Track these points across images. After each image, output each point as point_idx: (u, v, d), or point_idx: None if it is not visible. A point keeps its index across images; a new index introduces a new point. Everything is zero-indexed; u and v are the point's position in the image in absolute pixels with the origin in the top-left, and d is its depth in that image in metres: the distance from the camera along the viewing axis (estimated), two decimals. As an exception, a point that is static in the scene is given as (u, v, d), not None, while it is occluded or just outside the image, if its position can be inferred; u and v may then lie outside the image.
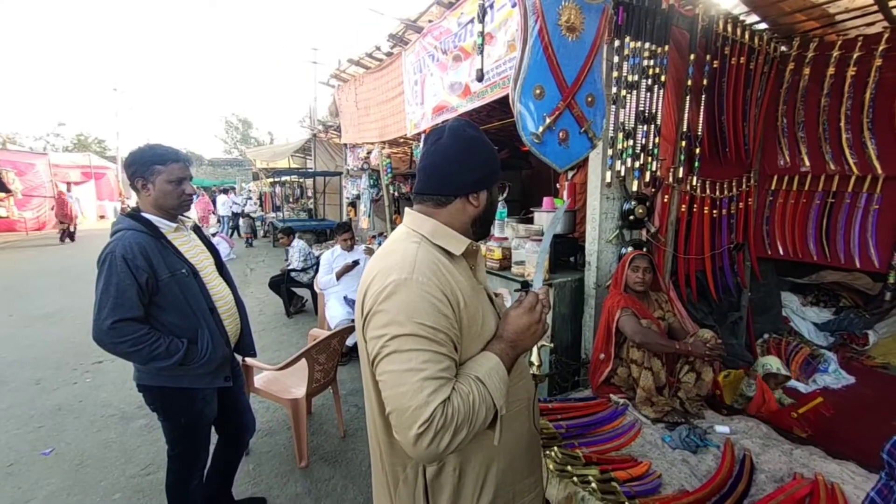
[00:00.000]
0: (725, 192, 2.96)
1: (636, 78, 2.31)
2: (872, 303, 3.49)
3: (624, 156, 2.36)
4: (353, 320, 2.85)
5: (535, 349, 1.10)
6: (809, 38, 2.92)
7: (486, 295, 1.02)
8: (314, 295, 5.01)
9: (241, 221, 13.19)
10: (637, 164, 2.39)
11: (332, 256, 4.18)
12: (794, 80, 2.99)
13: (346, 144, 7.05)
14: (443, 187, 0.95)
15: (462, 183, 0.95)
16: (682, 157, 2.60)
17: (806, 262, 3.15)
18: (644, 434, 1.94)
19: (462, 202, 0.95)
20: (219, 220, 13.44)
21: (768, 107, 3.09)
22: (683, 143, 2.58)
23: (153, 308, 1.60)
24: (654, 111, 2.39)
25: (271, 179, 13.38)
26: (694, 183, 2.71)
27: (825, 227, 2.97)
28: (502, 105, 3.43)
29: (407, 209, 1.01)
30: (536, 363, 1.87)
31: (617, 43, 2.27)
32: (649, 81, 2.34)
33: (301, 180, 13.02)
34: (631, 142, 2.36)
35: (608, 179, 2.40)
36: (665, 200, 2.69)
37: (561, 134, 2.03)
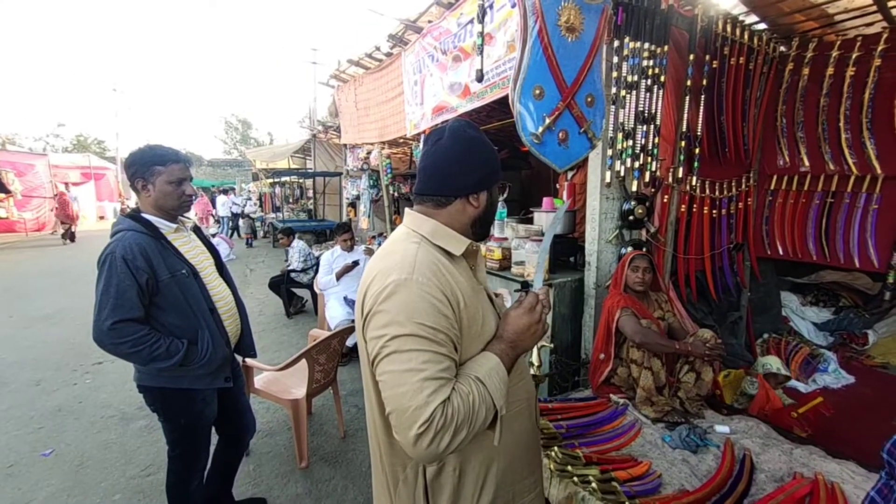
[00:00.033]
0: (725, 192, 2.96)
1: (636, 78, 2.31)
2: (872, 302, 3.50)
3: (623, 156, 2.36)
4: (353, 321, 2.85)
5: (535, 349, 1.10)
6: (808, 39, 2.92)
7: (486, 295, 1.02)
8: (314, 295, 5.01)
9: (240, 222, 13.19)
10: (637, 165, 2.39)
11: (332, 257, 4.18)
12: (793, 80, 2.99)
13: (345, 145, 7.05)
14: (443, 188, 0.95)
15: (462, 183, 0.95)
16: (682, 158, 2.60)
17: (805, 261, 3.16)
18: (644, 434, 1.94)
19: (462, 203, 0.96)
20: (218, 221, 13.44)
21: (767, 107, 3.10)
22: (683, 144, 2.58)
23: (153, 309, 1.60)
24: (653, 111, 2.39)
25: (271, 180, 13.37)
26: (693, 183, 2.71)
27: (824, 227, 2.98)
28: (502, 105, 3.43)
29: (407, 209, 1.01)
30: (536, 363, 1.88)
31: (616, 43, 2.27)
32: (649, 82, 2.34)
33: (301, 181, 13.01)
34: (630, 142, 2.36)
35: (608, 179, 2.40)
36: (665, 200, 2.69)
37: (560, 134, 2.03)
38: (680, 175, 2.63)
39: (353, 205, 8.06)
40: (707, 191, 2.85)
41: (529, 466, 1.05)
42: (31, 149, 20.29)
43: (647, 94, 2.36)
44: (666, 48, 2.36)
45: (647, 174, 2.43)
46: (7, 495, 2.30)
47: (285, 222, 9.84)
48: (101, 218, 17.37)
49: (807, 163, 2.99)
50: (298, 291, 5.64)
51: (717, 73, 2.67)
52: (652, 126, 2.40)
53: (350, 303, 3.98)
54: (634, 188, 2.45)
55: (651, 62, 2.32)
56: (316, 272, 4.82)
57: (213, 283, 1.79)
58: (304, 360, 2.45)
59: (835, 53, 2.78)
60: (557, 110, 1.98)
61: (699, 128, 2.65)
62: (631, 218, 2.52)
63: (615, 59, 2.28)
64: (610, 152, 2.35)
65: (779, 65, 3.04)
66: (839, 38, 2.82)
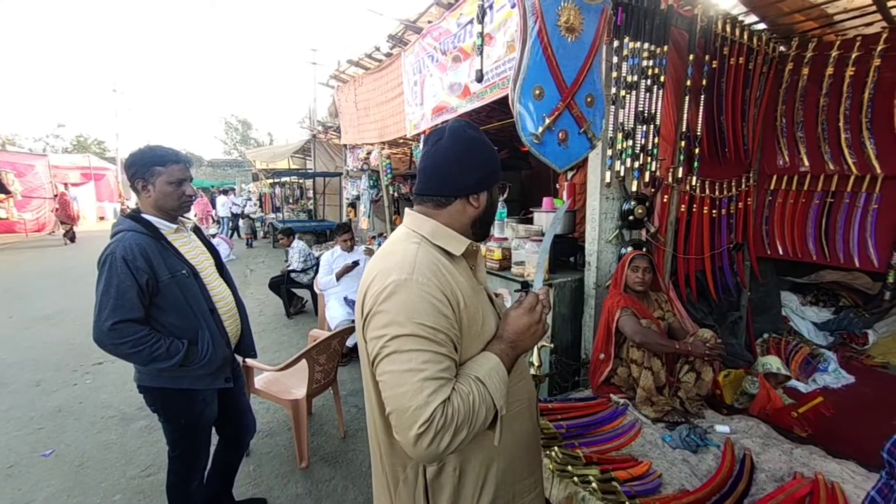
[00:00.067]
0: (725, 192, 2.96)
1: (635, 78, 2.31)
2: (872, 302, 3.50)
3: (623, 156, 2.36)
4: (353, 321, 2.85)
5: (535, 349, 1.10)
6: (808, 38, 2.92)
7: (486, 295, 1.02)
8: (314, 296, 5.01)
9: (240, 222, 13.19)
10: (636, 165, 2.39)
11: (332, 257, 4.18)
12: (792, 80, 2.99)
13: (345, 145, 7.05)
14: (443, 188, 0.95)
15: (462, 184, 0.95)
16: (682, 157, 2.60)
17: (805, 261, 3.16)
18: (644, 434, 1.94)
19: (462, 203, 0.96)
20: (218, 222, 13.44)
21: (767, 107, 3.10)
22: (683, 144, 2.58)
23: (153, 309, 1.60)
24: (653, 111, 2.39)
25: (271, 180, 13.37)
26: (693, 183, 2.72)
27: (824, 227, 2.98)
28: (502, 106, 3.44)
29: (407, 210, 1.01)
30: (536, 363, 1.88)
31: (616, 43, 2.27)
32: (648, 82, 2.34)
33: (301, 181, 13.02)
34: (630, 142, 2.36)
35: (608, 180, 2.40)
36: (664, 200, 2.69)
37: (560, 134, 2.03)
38: (680, 175, 2.63)
39: (353, 205, 8.07)
40: (707, 191, 2.85)
41: (529, 466, 1.05)
42: (30, 149, 20.30)
43: (647, 94, 2.36)
44: (665, 48, 2.36)
45: (647, 174, 2.43)
46: (7, 496, 2.30)
47: (285, 223, 9.84)
48: (102, 218, 17.37)
49: (806, 163, 2.99)
50: (298, 292, 5.65)
51: (716, 73, 2.67)
52: (652, 126, 2.40)
53: (350, 303, 3.98)
54: (634, 188, 2.45)
55: (651, 62, 2.32)
56: (316, 272, 4.82)
57: (214, 283, 1.80)
58: (304, 361, 2.45)
59: (834, 53, 2.78)
60: (557, 110, 1.98)
61: (699, 128, 2.65)
62: (631, 218, 2.52)
63: (615, 60, 2.28)
64: (610, 152, 2.35)
65: (778, 65, 3.04)
66: (839, 38, 2.82)
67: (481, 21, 2.27)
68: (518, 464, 1.01)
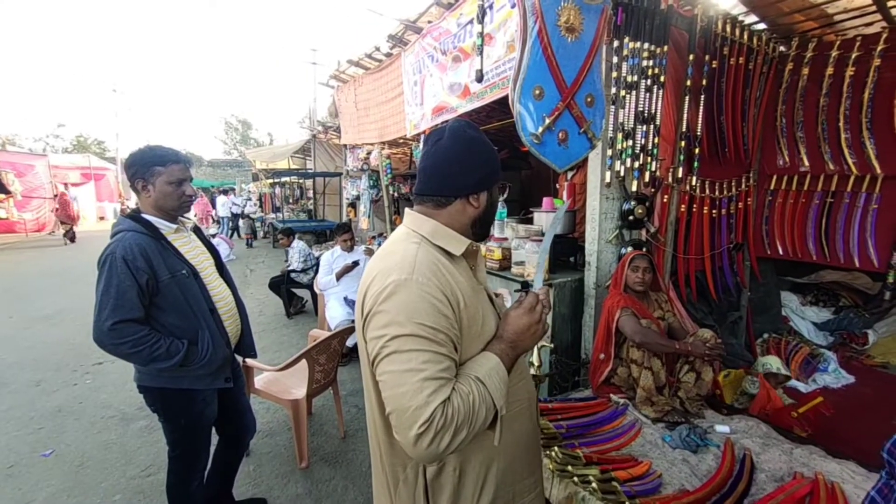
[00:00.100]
0: (725, 192, 2.96)
1: (635, 78, 2.31)
2: (872, 302, 3.50)
3: (623, 156, 2.36)
4: (353, 321, 2.85)
5: (535, 349, 1.10)
6: (808, 38, 2.92)
7: (486, 295, 1.02)
8: (314, 296, 5.01)
9: (240, 222, 13.19)
10: (636, 165, 2.39)
11: (332, 257, 4.18)
12: (792, 80, 2.99)
13: (345, 145, 7.05)
14: (443, 188, 0.95)
15: (462, 184, 0.95)
16: (682, 157, 2.60)
17: (805, 261, 3.16)
18: (644, 434, 1.94)
19: (462, 203, 0.96)
20: (218, 222, 13.44)
21: (767, 107, 3.10)
22: (683, 144, 2.58)
23: (153, 309, 1.60)
24: (653, 111, 2.39)
25: (271, 180, 13.38)
26: (693, 183, 2.72)
27: (824, 227, 2.98)
28: (502, 106, 3.44)
29: (407, 210, 1.01)
30: (537, 363, 1.88)
31: (616, 43, 2.27)
32: (648, 82, 2.34)
33: (301, 181, 13.02)
34: (630, 142, 2.36)
35: (608, 180, 2.40)
36: (664, 200, 2.69)
37: (560, 134, 2.03)
38: (680, 175, 2.63)
39: (353, 205, 8.07)
40: (707, 191, 2.85)
41: (529, 466, 1.05)
42: (30, 149, 20.30)
43: (647, 94, 2.36)
44: (665, 48, 2.36)
45: (647, 174, 2.43)
46: (7, 496, 2.30)
47: (285, 223, 9.84)
48: (101, 218, 17.37)
49: (806, 163, 2.99)
50: (298, 292, 5.65)
51: (716, 73, 2.67)
52: (652, 126, 2.40)
53: (350, 303, 3.98)
54: (634, 188, 2.45)
55: (651, 62, 2.32)
56: (316, 272, 4.82)
57: (214, 283, 1.80)
58: (304, 361, 2.45)
59: (834, 53, 2.78)
60: (557, 110, 1.98)
61: (699, 128, 2.65)
62: (631, 218, 2.52)
63: (615, 60, 2.28)
64: (610, 152, 2.35)
65: (778, 65, 3.04)
66: (839, 38, 2.82)
67: (481, 21, 2.27)
68: (518, 464, 1.01)
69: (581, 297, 2.67)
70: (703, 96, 2.62)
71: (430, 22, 3.54)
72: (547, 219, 2.96)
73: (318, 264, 4.82)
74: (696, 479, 1.67)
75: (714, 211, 2.92)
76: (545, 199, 3.08)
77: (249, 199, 15.00)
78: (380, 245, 4.94)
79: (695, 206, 2.82)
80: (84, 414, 3.12)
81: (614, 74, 2.29)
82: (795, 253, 3.14)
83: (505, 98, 2.18)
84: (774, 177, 3.18)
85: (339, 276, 4.03)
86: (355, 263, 4.14)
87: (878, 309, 3.43)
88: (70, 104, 58.00)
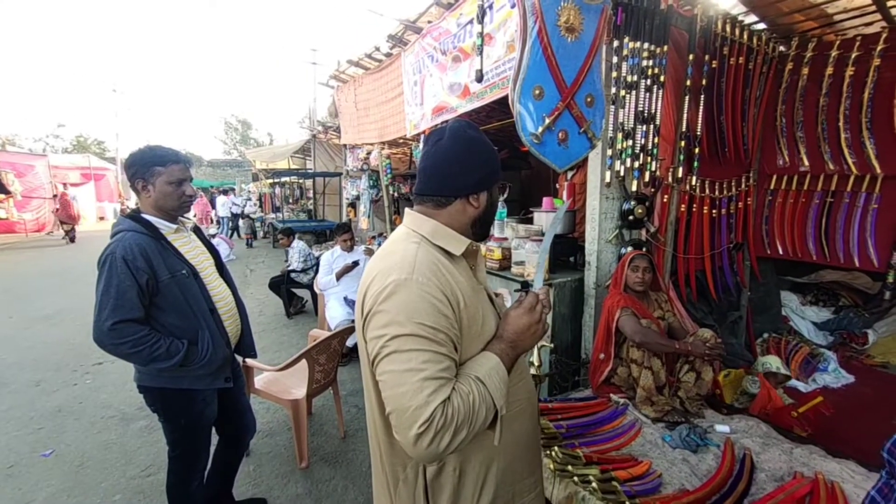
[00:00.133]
0: (725, 192, 2.96)
1: (635, 78, 2.31)
2: (872, 302, 3.50)
3: (623, 156, 2.36)
4: (353, 321, 2.85)
5: (535, 349, 1.10)
6: (808, 38, 2.92)
7: (486, 295, 1.02)
8: (314, 296, 5.01)
9: (240, 222, 13.19)
10: (636, 164, 2.39)
11: (332, 257, 4.18)
12: (792, 79, 2.99)
13: (345, 145, 7.05)
14: (443, 188, 0.95)
15: (462, 184, 0.95)
16: (682, 157, 2.60)
17: (805, 261, 3.16)
18: (644, 433, 1.94)
19: (462, 203, 0.96)
20: (218, 222, 13.44)
21: (767, 106, 3.10)
22: (682, 143, 2.59)
23: (153, 309, 1.60)
24: (653, 111, 2.39)
25: (271, 180, 13.38)
26: (693, 183, 2.72)
27: (824, 227, 2.98)
28: (502, 106, 3.44)
29: (407, 210, 1.02)
30: (536, 363, 1.88)
31: (616, 43, 2.27)
32: (648, 82, 2.34)
33: (301, 181, 13.01)
34: (630, 142, 2.36)
35: (607, 179, 2.40)
36: (664, 200, 2.69)
37: (560, 134, 2.03)
38: (680, 175, 2.63)
39: (352, 205, 8.07)
40: (707, 190, 2.85)
41: (529, 466, 1.06)
42: (30, 149, 20.31)
43: (647, 94, 2.36)
44: (665, 48, 2.36)
45: (647, 174, 2.43)
46: (7, 496, 2.30)
47: (285, 223, 9.84)
48: (101, 219, 17.35)
49: (806, 162, 2.99)
50: (298, 292, 5.65)
51: (716, 73, 2.67)
52: (651, 126, 2.40)
53: (350, 303, 3.98)
54: (634, 188, 2.45)
55: (650, 62, 2.32)
56: (316, 272, 4.82)
57: (214, 283, 1.80)
58: (304, 361, 2.45)
59: (834, 53, 2.78)
60: (557, 110, 1.98)
61: (699, 127, 2.65)
62: (631, 218, 2.52)
63: (615, 60, 2.28)
64: (610, 152, 2.35)
65: (778, 64, 3.04)
66: (838, 38, 2.82)
67: (481, 21, 2.27)
68: (518, 464, 1.01)
69: (581, 296, 2.67)
70: (702, 96, 2.62)
71: (429, 22, 3.54)
72: (547, 219, 2.96)
73: (317, 264, 4.82)
74: (696, 478, 1.67)
75: (714, 211, 2.92)
76: (545, 199, 3.08)
77: (249, 199, 14.99)
78: (380, 245, 4.94)
79: (695, 205, 2.82)
80: (84, 414, 3.12)
81: (614, 74, 2.29)
82: (795, 253, 3.14)
83: (505, 98, 2.18)
84: (774, 176, 3.18)
85: (338, 276, 4.03)
86: (355, 263, 4.14)
87: (877, 308, 3.43)
88: (70, 104, 58.04)
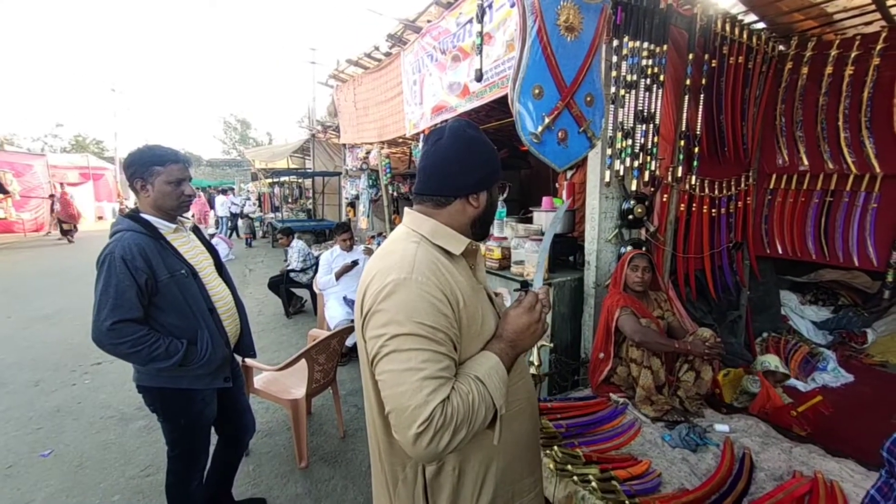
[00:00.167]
0: (724, 191, 2.96)
1: (635, 77, 2.31)
2: (871, 301, 3.50)
3: (623, 155, 2.36)
4: (352, 321, 2.85)
5: (534, 349, 1.10)
6: (807, 38, 2.92)
7: (485, 294, 1.02)
8: (313, 295, 5.01)
9: (239, 222, 13.17)
10: (636, 164, 2.39)
11: (332, 257, 4.18)
12: (792, 79, 2.99)
13: (344, 145, 7.05)
14: (443, 188, 0.95)
15: (462, 184, 0.95)
16: (681, 157, 2.60)
17: (805, 260, 3.16)
18: (644, 433, 1.94)
19: (462, 203, 0.95)
20: (217, 222, 13.42)
21: (767, 106, 3.10)
22: (682, 143, 2.58)
23: (152, 309, 1.59)
24: (652, 110, 2.39)
25: (270, 180, 13.36)
26: (693, 182, 2.72)
27: (824, 226, 2.98)
28: (501, 105, 3.43)
29: (406, 209, 1.01)
30: (536, 363, 1.88)
31: (615, 43, 2.27)
32: (648, 81, 2.34)
33: (300, 181, 13.00)
34: (630, 141, 2.36)
35: (607, 179, 2.40)
36: (664, 199, 2.69)
37: (560, 133, 2.03)
38: (679, 174, 2.63)
39: (352, 204, 8.05)
40: (706, 190, 2.85)
41: (529, 466, 1.05)
42: (29, 149, 20.26)
43: (647, 94, 2.36)
44: (665, 47, 2.35)
45: (647, 173, 2.43)
46: (6, 496, 2.30)
47: (284, 222, 9.83)
48: (100, 218, 17.32)
49: (806, 162, 2.99)
50: (298, 291, 5.64)
51: (716, 72, 2.67)
52: (651, 125, 2.40)
53: (349, 302, 3.98)
54: (634, 187, 2.45)
55: (650, 61, 2.32)
56: (315, 272, 4.82)
57: (213, 283, 1.79)
58: (303, 360, 2.45)
59: (834, 52, 2.78)
60: (557, 110, 1.98)
61: (698, 127, 2.65)
62: (630, 217, 2.52)
63: (614, 59, 2.28)
64: (609, 151, 2.35)
65: (778, 64, 3.04)
66: (838, 37, 2.82)
67: (480, 20, 2.27)
68: (518, 463, 1.01)
69: (580, 296, 2.67)
70: (702, 95, 2.62)
71: (429, 21, 3.54)
72: (546, 218, 2.96)
73: (317, 264, 4.81)
74: (695, 478, 1.67)
75: (713, 210, 2.92)
76: (545, 199, 3.08)
77: (248, 199, 14.96)
78: (379, 244, 4.94)
79: (694, 205, 2.82)
80: (83, 414, 3.11)
81: (614, 74, 2.28)
82: (795, 252, 3.15)
83: (504, 97, 2.17)
84: (774, 176, 3.18)
85: (338, 276, 4.03)
86: (354, 263, 4.13)
87: (877, 308, 3.43)
88: (68, 104, 57.97)
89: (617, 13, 2.21)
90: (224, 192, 14.35)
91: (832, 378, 2.87)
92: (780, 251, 3.21)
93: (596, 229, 2.53)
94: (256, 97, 73.98)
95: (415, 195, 1.01)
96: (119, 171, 17.28)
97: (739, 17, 2.82)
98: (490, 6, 2.66)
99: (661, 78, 2.38)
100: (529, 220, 3.19)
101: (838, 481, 1.57)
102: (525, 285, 1.09)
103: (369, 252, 4.54)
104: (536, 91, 1.93)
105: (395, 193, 6.02)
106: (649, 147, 2.41)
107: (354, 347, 3.65)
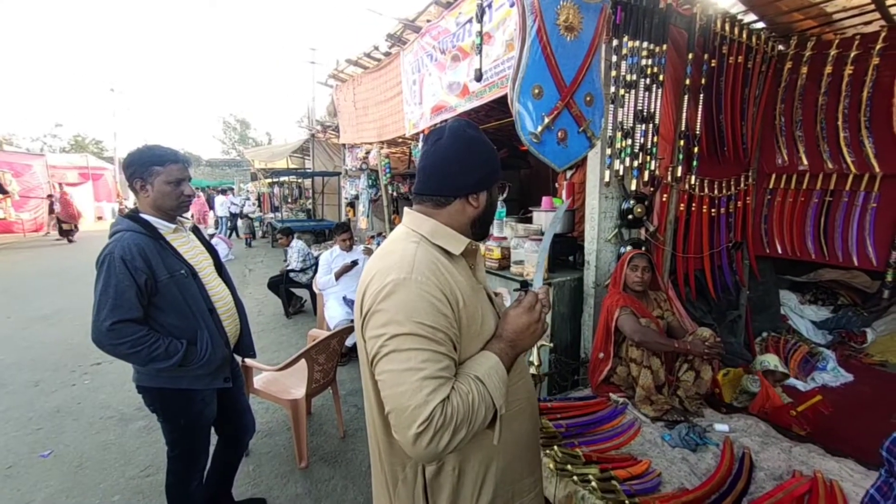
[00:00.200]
0: (724, 191, 2.96)
1: (634, 77, 2.31)
2: (870, 301, 3.50)
3: (622, 155, 2.36)
4: (352, 321, 2.85)
5: (534, 349, 1.10)
6: (807, 37, 2.92)
7: (485, 294, 1.02)
8: (313, 295, 5.01)
9: (239, 222, 13.17)
10: (636, 164, 2.39)
11: (331, 257, 4.18)
12: (791, 78, 2.99)
13: (344, 145, 7.05)
14: (442, 188, 0.95)
15: (462, 184, 0.95)
16: (681, 156, 2.60)
17: (804, 260, 3.16)
18: (643, 433, 1.94)
19: (462, 203, 0.95)
20: (216, 222, 13.42)
21: (766, 105, 3.10)
22: (682, 142, 2.59)
23: (152, 309, 1.59)
24: (652, 110, 2.39)
25: (270, 180, 13.36)
26: (692, 182, 2.72)
27: (823, 226, 2.98)
28: (501, 105, 3.43)
29: (406, 209, 1.01)
30: (536, 362, 1.88)
31: (615, 42, 2.27)
32: (647, 81, 2.34)
33: (299, 181, 13.00)
34: (629, 141, 2.36)
35: (607, 178, 2.40)
36: (664, 199, 2.69)
37: (559, 133, 2.03)
38: (679, 174, 2.63)
39: (351, 204, 8.05)
40: (706, 189, 2.85)
41: (529, 466, 1.05)
42: (28, 149, 20.25)
43: (646, 93, 2.36)
44: (665, 47, 2.36)
45: (646, 173, 2.43)
46: (6, 496, 2.30)
47: (284, 222, 9.82)
48: (100, 218, 17.30)
49: (805, 161, 2.99)
50: (297, 291, 5.64)
51: (715, 72, 2.67)
52: (651, 125, 2.40)
53: (349, 303, 3.98)
54: (633, 187, 2.45)
55: (650, 61, 2.32)
56: (315, 272, 4.81)
57: (212, 283, 1.79)
58: (303, 360, 2.44)
59: (833, 52, 2.78)
60: (556, 109, 1.98)
61: (698, 126, 2.65)
62: (630, 217, 2.52)
63: (614, 59, 2.28)
64: (609, 151, 2.35)
65: (777, 63, 3.04)
66: (837, 37, 2.82)
67: (480, 20, 2.27)
68: (517, 463, 1.01)
69: (580, 296, 2.67)
70: (702, 95, 2.62)
71: (428, 21, 3.54)
72: (546, 218, 2.96)
73: (316, 264, 4.81)
74: (695, 477, 1.67)
75: (713, 210, 2.92)
76: (544, 199, 3.08)
77: (248, 199, 14.96)
78: (378, 244, 4.94)
79: (694, 204, 2.82)
80: (83, 414, 3.11)
81: (613, 73, 2.28)
82: (794, 251, 3.15)
83: (504, 97, 2.17)
84: (773, 175, 3.18)
85: (338, 276, 4.03)
86: (354, 263, 4.13)
87: (876, 307, 3.43)
88: (68, 104, 58.07)
89: (616, 13, 2.20)
90: (223, 192, 14.35)
91: (832, 378, 2.87)
92: (780, 251, 3.21)
93: (595, 229, 2.53)
94: (256, 97, 74.00)
95: (414, 195, 1.00)
96: (118, 171, 17.25)
97: (739, 17, 2.82)
98: (490, 6, 2.66)
99: (661, 78, 2.38)
100: (529, 220, 3.19)
101: (838, 481, 1.57)
102: (525, 285, 1.09)
103: (369, 252, 4.54)
104: (536, 91, 1.93)
105: (394, 193, 6.02)
106: (649, 147, 2.41)
107: (354, 347, 3.64)
